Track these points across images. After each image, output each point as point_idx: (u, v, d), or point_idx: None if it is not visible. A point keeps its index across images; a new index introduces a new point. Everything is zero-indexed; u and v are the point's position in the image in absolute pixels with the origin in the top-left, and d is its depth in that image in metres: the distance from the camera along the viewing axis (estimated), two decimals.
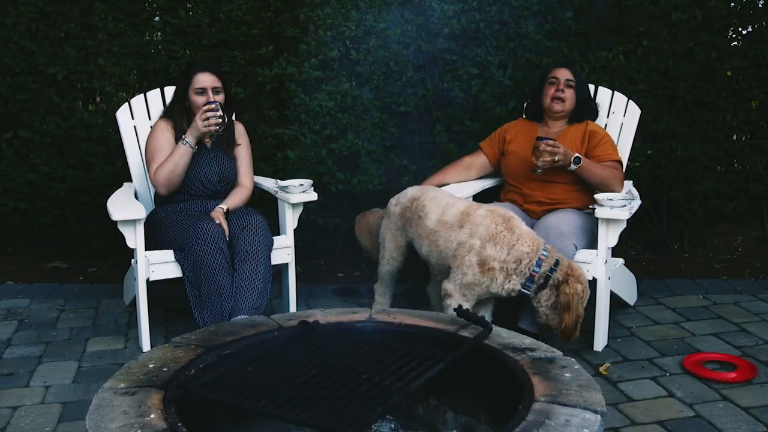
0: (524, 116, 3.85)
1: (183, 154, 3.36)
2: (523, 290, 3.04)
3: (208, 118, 3.29)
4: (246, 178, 3.64)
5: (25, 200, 4.39)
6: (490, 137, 3.84)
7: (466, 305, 3.01)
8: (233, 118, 3.75)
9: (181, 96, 3.50)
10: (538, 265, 2.98)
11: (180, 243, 3.30)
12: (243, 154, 3.65)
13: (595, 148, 3.53)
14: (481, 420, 2.14)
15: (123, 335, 3.58)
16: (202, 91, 3.43)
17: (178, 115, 3.50)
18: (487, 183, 3.81)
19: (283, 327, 2.25)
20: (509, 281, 3.02)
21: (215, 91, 3.45)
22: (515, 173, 3.65)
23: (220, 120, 3.31)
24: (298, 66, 4.24)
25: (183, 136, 3.37)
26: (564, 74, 3.60)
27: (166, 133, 3.48)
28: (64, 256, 4.64)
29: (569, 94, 3.59)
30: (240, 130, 3.67)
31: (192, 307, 3.24)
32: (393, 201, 3.50)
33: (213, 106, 3.31)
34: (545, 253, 2.99)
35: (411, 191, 3.45)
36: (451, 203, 3.22)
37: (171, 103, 3.60)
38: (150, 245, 3.32)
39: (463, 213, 3.12)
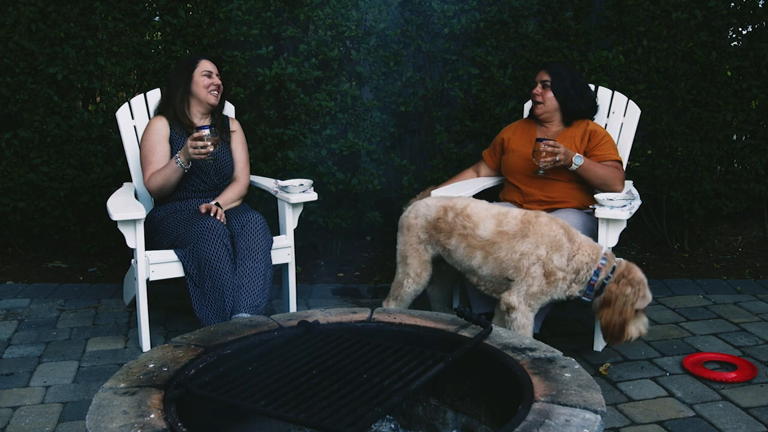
0: (526, 117, 3.86)
1: (174, 171, 3.38)
2: (583, 297, 3.02)
3: (197, 146, 3.25)
4: (241, 173, 3.66)
5: (25, 200, 4.39)
6: (491, 146, 3.85)
7: (531, 316, 3.00)
8: (227, 113, 3.80)
9: (185, 82, 3.54)
10: (596, 274, 2.96)
11: (182, 241, 3.30)
12: (239, 149, 3.66)
13: (596, 148, 3.53)
14: (481, 420, 2.14)
15: (123, 335, 3.58)
16: (209, 74, 3.55)
17: (179, 103, 3.53)
18: (487, 183, 3.81)
19: (283, 327, 2.25)
20: (570, 289, 3.00)
21: (218, 76, 3.60)
22: (514, 171, 3.65)
23: (211, 149, 3.26)
24: (298, 66, 4.24)
25: (176, 155, 3.37)
26: (540, 76, 3.62)
27: (161, 130, 3.50)
28: (64, 256, 4.64)
29: (546, 96, 3.59)
30: (235, 124, 3.73)
31: (193, 305, 3.24)
32: (411, 215, 3.31)
33: (205, 132, 3.24)
34: (603, 261, 2.98)
35: (434, 203, 3.27)
36: (503, 212, 3.10)
37: (165, 97, 3.63)
38: (150, 244, 3.33)
39: (524, 221, 3.01)
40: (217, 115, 3.65)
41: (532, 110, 3.69)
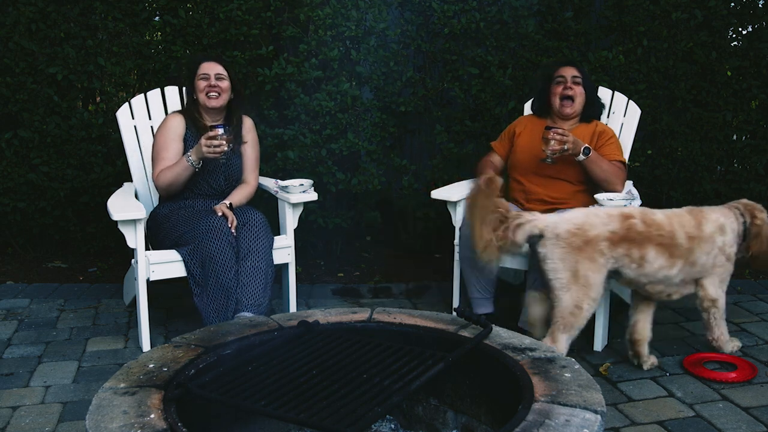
0: (531, 113, 3.83)
1: (185, 169, 3.38)
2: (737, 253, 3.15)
3: (211, 145, 3.25)
4: (251, 175, 3.65)
5: (25, 200, 4.39)
6: (501, 135, 3.83)
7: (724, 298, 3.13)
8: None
9: (189, 87, 3.55)
10: (743, 223, 3.12)
11: (185, 239, 3.29)
12: (249, 151, 3.65)
13: (602, 147, 3.53)
14: (481, 420, 2.14)
15: (123, 335, 3.58)
16: (206, 77, 3.49)
17: (190, 106, 3.55)
18: None
19: (283, 327, 2.25)
20: (734, 249, 3.12)
21: (218, 77, 3.49)
22: (520, 167, 3.64)
23: (225, 149, 3.27)
24: (298, 66, 4.24)
25: (188, 153, 3.37)
26: (570, 72, 3.60)
27: (177, 128, 3.50)
28: (64, 256, 4.64)
29: (578, 91, 3.58)
30: (248, 126, 3.68)
31: (195, 303, 3.23)
32: (584, 227, 2.85)
33: (219, 131, 3.24)
34: (736, 209, 3.14)
35: (606, 212, 2.95)
36: (677, 213, 3.03)
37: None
38: (153, 242, 3.32)
39: (697, 220, 3.02)
40: (233, 117, 3.59)
41: (549, 107, 3.64)
